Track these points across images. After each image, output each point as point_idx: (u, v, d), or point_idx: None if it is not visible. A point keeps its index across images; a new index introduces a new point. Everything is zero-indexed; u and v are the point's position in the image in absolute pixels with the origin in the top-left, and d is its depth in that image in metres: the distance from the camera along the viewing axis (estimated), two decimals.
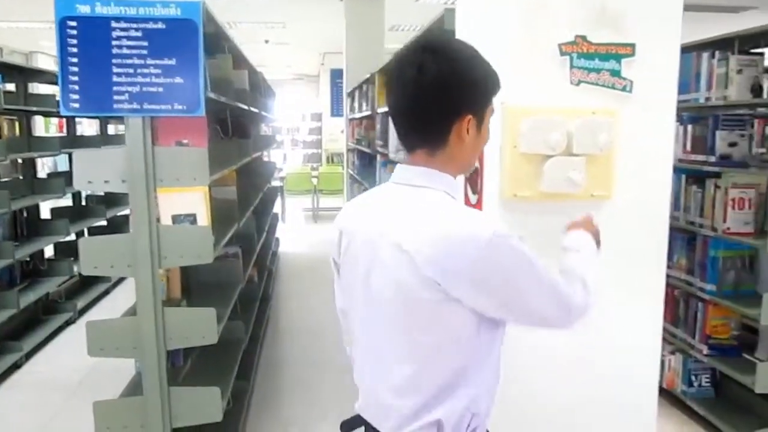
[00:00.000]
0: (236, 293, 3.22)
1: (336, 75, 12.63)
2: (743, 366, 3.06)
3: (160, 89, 2.30)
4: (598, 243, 1.45)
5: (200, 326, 2.49)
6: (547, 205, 1.71)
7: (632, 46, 1.74)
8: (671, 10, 1.75)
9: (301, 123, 15.63)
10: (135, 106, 2.31)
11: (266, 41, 11.20)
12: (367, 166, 5.66)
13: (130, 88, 2.29)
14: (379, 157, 4.73)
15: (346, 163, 8.27)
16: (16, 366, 4.03)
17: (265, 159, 7.25)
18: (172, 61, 2.30)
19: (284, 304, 5.64)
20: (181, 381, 3.00)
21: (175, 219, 2.44)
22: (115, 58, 2.27)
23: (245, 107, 3.83)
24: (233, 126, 3.92)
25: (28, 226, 4.75)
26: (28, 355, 4.20)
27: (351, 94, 7.32)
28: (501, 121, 1.72)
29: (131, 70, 2.29)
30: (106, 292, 5.67)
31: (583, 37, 1.72)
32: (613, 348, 1.86)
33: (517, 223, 1.75)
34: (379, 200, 1.29)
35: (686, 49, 3.34)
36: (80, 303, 5.11)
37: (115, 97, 2.29)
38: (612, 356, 1.87)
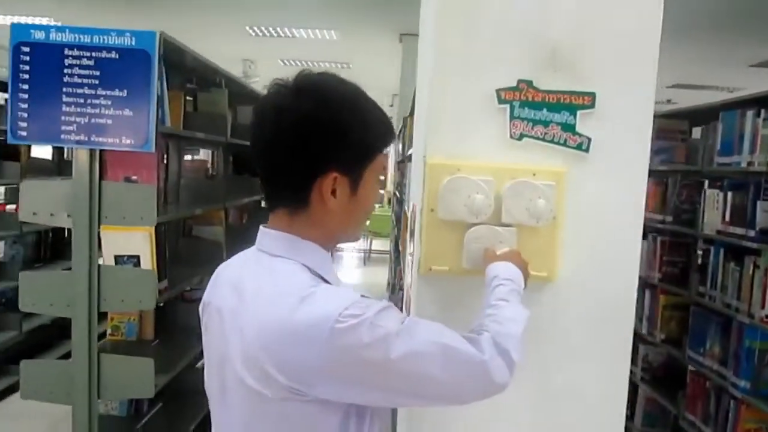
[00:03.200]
0: None
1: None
2: None
3: (109, 122, 2.18)
4: (526, 278, 1.28)
5: (136, 378, 2.29)
6: (469, 282, 1.40)
7: (592, 95, 1.43)
8: (644, 51, 1.43)
9: None
10: (82, 137, 2.19)
11: None
12: (399, 211, 5.43)
13: (78, 119, 2.18)
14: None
15: (392, 206, 8.08)
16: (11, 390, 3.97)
17: None
18: (123, 93, 2.17)
19: None
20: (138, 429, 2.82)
21: (118, 260, 2.28)
22: (66, 86, 2.17)
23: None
24: (239, 163, 3.79)
25: None
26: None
27: (399, 137, 7.15)
28: (423, 180, 1.44)
29: (81, 100, 2.18)
30: None
31: (529, 83, 1.42)
32: None
33: (433, 305, 1.45)
34: (237, 270, 1.07)
35: (730, 106, 2.94)
36: None
37: (63, 128, 2.19)
38: None
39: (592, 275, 1.46)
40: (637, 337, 3.69)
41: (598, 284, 1.46)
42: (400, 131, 6.49)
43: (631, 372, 3.86)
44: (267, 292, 0.96)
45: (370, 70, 10.23)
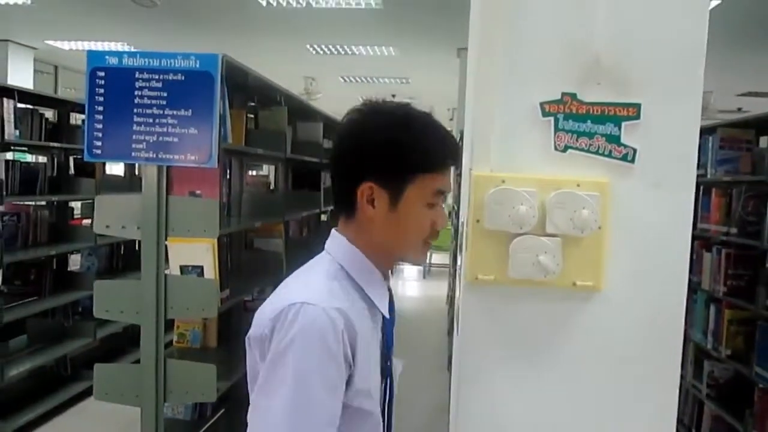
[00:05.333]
0: None
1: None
2: None
3: (176, 139, 2.31)
4: None
5: (199, 382, 2.40)
6: (515, 291, 1.42)
7: (637, 107, 1.43)
8: (690, 60, 1.42)
9: None
10: (151, 154, 2.33)
11: (393, 96, 11.43)
12: (457, 224, 5.45)
13: (148, 137, 2.32)
14: None
15: (451, 219, 8.08)
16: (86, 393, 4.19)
17: None
18: (188, 113, 2.30)
19: None
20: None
21: (183, 269, 2.41)
22: (136, 107, 2.32)
23: (315, 160, 3.80)
24: (299, 178, 3.90)
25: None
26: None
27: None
28: (468, 192, 1.48)
29: (150, 120, 2.32)
30: None
31: (572, 96, 1.44)
32: None
33: (478, 312, 1.48)
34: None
35: None
36: None
37: (134, 146, 2.33)
38: None
39: (640, 285, 1.45)
40: (702, 353, 3.58)
41: (646, 294, 1.46)
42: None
43: (696, 389, 3.77)
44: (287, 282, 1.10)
45: (429, 85, 10.32)
